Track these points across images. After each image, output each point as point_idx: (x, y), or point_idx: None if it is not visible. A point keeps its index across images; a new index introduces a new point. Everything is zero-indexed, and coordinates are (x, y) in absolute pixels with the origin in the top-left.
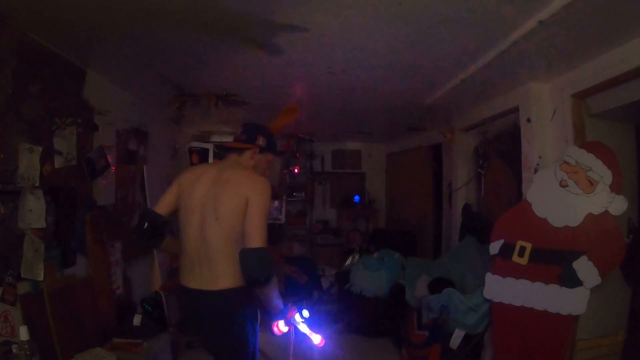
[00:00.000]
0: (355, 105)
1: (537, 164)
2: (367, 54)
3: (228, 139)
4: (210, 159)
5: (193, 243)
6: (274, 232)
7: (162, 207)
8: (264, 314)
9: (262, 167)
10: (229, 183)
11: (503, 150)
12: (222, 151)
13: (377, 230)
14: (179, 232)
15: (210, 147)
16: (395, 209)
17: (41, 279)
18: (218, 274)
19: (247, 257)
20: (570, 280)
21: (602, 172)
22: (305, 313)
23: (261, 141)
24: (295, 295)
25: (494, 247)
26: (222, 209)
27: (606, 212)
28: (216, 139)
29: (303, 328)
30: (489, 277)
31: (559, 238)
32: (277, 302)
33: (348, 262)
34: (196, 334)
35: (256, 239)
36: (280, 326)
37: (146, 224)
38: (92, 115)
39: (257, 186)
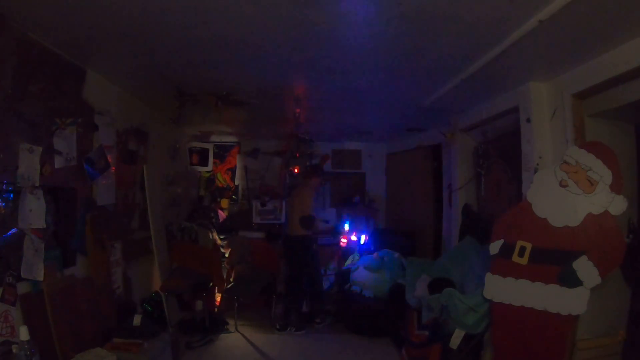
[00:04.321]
0: (356, 106)
1: (537, 164)
2: (367, 54)
3: (228, 139)
4: (210, 159)
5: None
6: (273, 231)
7: None
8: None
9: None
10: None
11: (503, 150)
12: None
13: (377, 230)
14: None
15: (210, 147)
16: (395, 209)
17: (41, 279)
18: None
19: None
20: (570, 280)
21: (602, 172)
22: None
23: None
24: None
25: (494, 247)
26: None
27: (606, 212)
28: (216, 139)
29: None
30: (489, 277)
31: (559, 238)
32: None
33: (348, 262)
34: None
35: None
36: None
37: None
38: (92, 115)
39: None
